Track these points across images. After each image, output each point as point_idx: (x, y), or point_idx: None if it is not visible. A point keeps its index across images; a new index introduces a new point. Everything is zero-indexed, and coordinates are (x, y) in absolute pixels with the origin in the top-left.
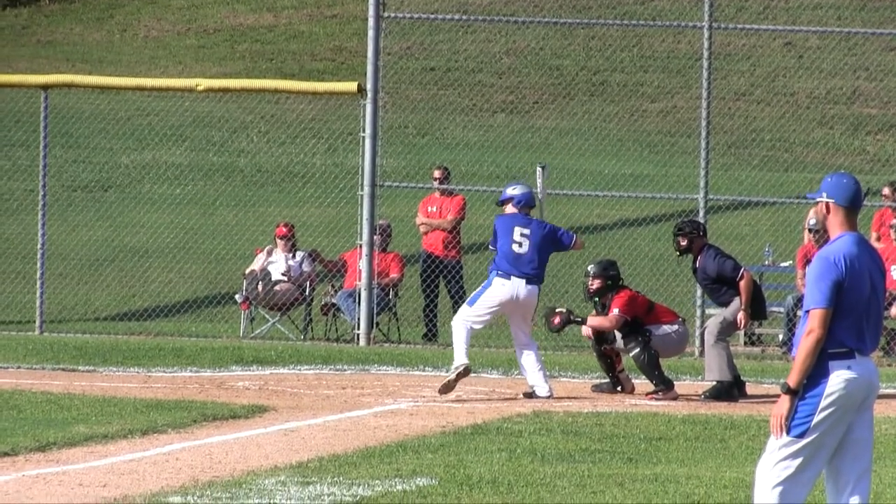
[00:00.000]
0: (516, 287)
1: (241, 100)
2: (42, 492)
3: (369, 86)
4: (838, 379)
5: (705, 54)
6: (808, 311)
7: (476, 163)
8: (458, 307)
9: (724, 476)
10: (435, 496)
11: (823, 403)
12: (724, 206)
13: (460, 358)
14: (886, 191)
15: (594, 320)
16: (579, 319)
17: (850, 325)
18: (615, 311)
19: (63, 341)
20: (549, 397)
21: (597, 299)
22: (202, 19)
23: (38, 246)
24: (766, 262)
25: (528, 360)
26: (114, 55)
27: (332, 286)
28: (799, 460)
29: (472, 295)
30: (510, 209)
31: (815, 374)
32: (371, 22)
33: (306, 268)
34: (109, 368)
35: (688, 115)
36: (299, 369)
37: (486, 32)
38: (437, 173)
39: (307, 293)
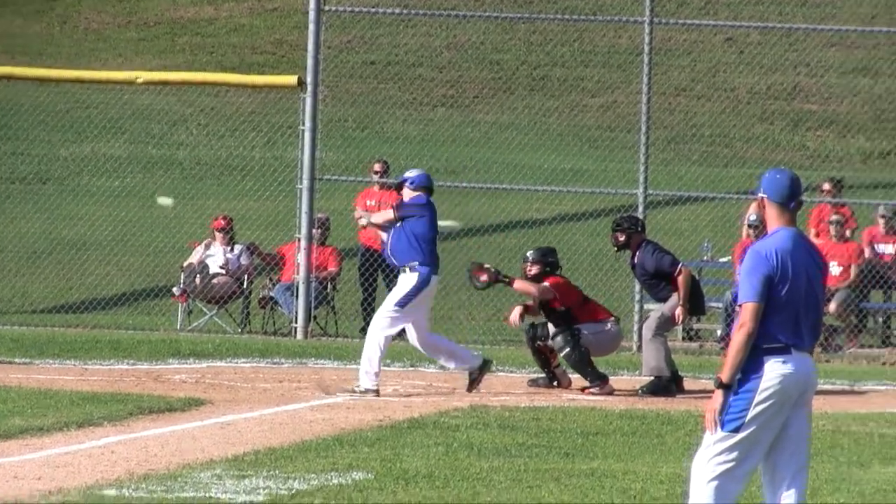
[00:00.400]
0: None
1: (180, 93)
2: None
3: (309, 79)
4: (773, 374)
5: (646, 49)
6: (741, 306)
7: (416, 157)
8: None
9: (661, 471)
10: (371, 490)
11: (758, 398)
12: (663, 201)
13: (372, 382)
14: (826, 186)
15: (521, 283)
16: (507, 279)
17: (785, 321)
18: (545, 283)
19: None
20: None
21: None
22: (142, 12)
23: None
24: (705, 258)
25: (447, 351)
26: (54, 47)
27: (270, 279)
28: (734, 455)
29: (400, 296)
30: (409, 192)
31: (750, 369)
32: (312, 16)
33: (244, 261)
34: (46, 361)
35: (628, 110)
36: (236, 362)
37: (427, 26)
38: (376, 167)
39: (245, 286)
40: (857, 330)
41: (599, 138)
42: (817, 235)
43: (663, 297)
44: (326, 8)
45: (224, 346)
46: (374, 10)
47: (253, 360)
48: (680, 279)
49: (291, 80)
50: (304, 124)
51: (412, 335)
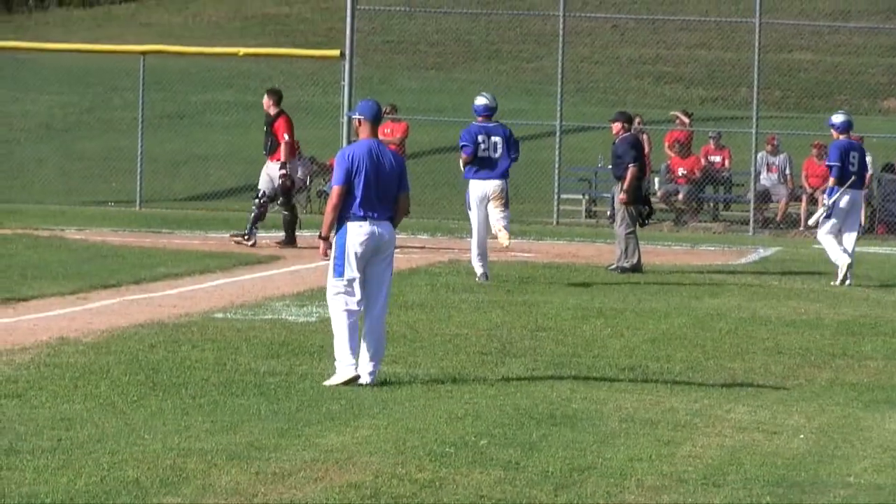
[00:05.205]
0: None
1: (267, 61)
2: (136, 310)
3: (347, 52)
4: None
5: (561, 32)
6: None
7: (415, 102)
8: None
9: (568, 301)
10: None
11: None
12: (573, 129)
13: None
14: (684, 118)
15: None
16: None
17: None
18: None
19: (153, 214)
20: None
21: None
22: (245, 9)
23: (139, 153)
24: (599, 165)
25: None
26: (188, 32)
27: (324, 179)
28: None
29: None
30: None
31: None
32: (349, 11)
33: (308, 168)
34: (182, 232)
35: (551, 71)
36: (302, 233)
37: (423, 17)
38: (387, 108)
39: (308, 184)
40: (696, 211)
41: (533, 89)
42: (670, 148)
43: (617, 175)
44: (359, 7)
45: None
46: (388, 8)
47: (313, 231)
48: (628, 172)
49: (336, 52)
50: (344, 80)
51: None
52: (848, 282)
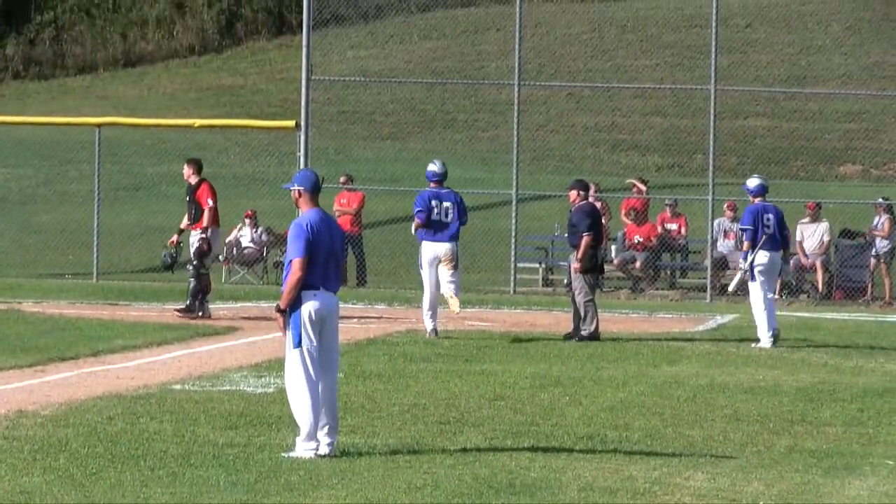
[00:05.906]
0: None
1: (223, 132)
2: (94, 382)
3: (302, 123)
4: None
5: (516, 101)
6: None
7: (372, 171)
8: (362, 267)
9: (526, 370)
10: (341, 384)
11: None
12: (529, 197)
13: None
14: (641, 185)
15: None
16: None
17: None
18: None
19: (110, 286)
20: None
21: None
22: (199, 80)
23: (95, 225)
24: (556, 234)
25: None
26: (143, 104)
27: (281, 250)
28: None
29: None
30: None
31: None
32: (304, 82)
33: (264, 238)
34: (139, 304)
35: (506, 140)
36: (259, 304)
37: (378, 87)
38: (342, 178)
39: (265, 254)
40: (653, 279)
41: (488, 158)
42: (627, 215)
43: (573, 244)
44: (313, 77)
45: (251, 293)
46: (344, 78)
47: (270, 302)
48: (582, 241)
49: (291, 123)
50: (300, 151)
51: None
52: (764, 345)
